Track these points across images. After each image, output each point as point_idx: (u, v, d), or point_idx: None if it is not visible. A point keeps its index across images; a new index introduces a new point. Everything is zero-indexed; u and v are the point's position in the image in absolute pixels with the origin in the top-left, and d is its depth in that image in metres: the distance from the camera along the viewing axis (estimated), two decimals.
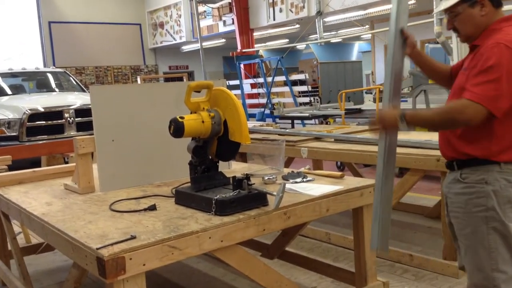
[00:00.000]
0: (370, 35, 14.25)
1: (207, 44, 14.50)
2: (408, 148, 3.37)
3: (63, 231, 2.01)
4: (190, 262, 3.71)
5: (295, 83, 12.00)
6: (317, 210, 2.29)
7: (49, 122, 7.30)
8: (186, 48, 16.85)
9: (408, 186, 3.45)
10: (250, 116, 9.91)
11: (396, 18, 2.13)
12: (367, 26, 13.63)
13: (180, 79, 14.53)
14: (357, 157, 3.62)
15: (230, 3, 13.08)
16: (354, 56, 19.90)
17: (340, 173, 2.71)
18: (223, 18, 13.82)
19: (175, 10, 15.72)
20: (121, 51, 16.60)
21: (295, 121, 8.78)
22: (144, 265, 1.74)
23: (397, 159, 3.32)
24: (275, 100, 10.54)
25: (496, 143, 1.92)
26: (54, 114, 7.37)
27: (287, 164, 4.29)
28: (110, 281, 1.68)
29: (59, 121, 7.36)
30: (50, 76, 9.40)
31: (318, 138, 4.19)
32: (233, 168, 3.15)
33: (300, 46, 17.11)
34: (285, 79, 10.86)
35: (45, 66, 13.93)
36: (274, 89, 11.30)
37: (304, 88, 11.75)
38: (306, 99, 10.56)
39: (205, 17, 14.45)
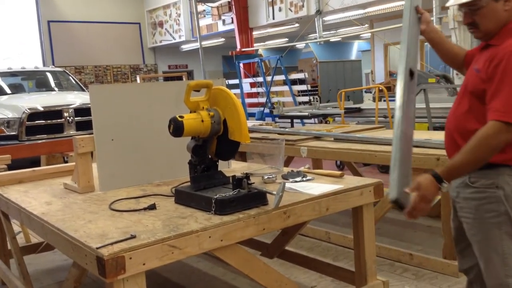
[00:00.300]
0: (369, 34, 14.25)
1: (206, 43, 14.50)
2: None
3: (62, 231, 2.01)
4: (190, 262, 3.72)
5: (294, 82, 12.00)
6: (316, 209, 2.28)
7: (49, 121, 7.30)
8: (185, 47, 16.85)
9: None
10: (250, 115, 9.91)
11: None
12: (366, 25, 13.63)
13: (180, 78, 14.53)
14: (356, 156, 3.62)
15: (229, 2, 13.07)
16: (353, 55, 19.90)
17: (339, 172, 2.71)
18: (223, 17, 13.82)
19: (175, 9, 15.71)
20: (120, 50, 16.59)
21: (295, 120, 8.78)
22: (144, 264, 1.74)
23: None
24: (274, 99, 10.54)
25: (511, 150, 1.82)
26: (53, 113, 7.37)
27: (287, 163, 4.29)
28: (110, 280, 1.68)
29: (59, 120, 7.36)
30: (49, 75, 9.39)
31: (317, 137, 4.19)
32: (232, 168, 3.15)
33: (300, 45, 17.10)
34: (284, 78, 10.86)
35: (44, 65, 13.93)
36: (273, 88, 11.30)
37: (303, 87, 11.74)
38: (306, 98, 10.56)
39: (205, 16, 14.44)
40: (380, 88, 7.64)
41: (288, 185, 2.42)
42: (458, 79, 6.73)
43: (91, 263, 1.75)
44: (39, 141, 6.61)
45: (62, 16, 15.30)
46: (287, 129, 5.03)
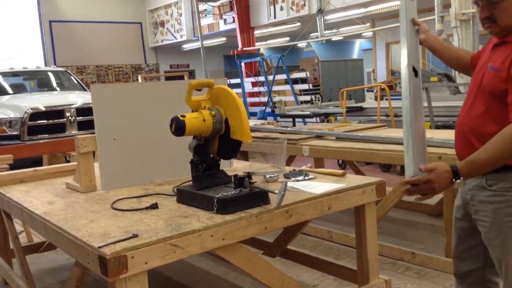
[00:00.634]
0: (371, 33, 14.23)
1: (208, 42, 14.51)
2: None
3: (65, 230, 2.01)
4: (192, 261, 3.72)
5: (296, 81, 12.00)
6: (318, 208, 2.28)
7: (50, 121, 7.32)
8: (187, 46, 16.86)
9: None
10: (251, 114, 9.91)
11: (405, 8, 2.08)
12: (368, 24, 13.62)
13: (181, 77, 14.54)
14: (358, 155, 3.62)
15: (230, 2, 13.08)
16: (355, 54, 19.88)
17: (341, 171, 2.70)
18: (224, 17, 13.83)
19: (176, 9, 15.72)
20: (122, 50, 16.61)
21: (296, 120, 8.78)
22: (146, 263, 1.74)
23: (397, 158, 3.35)
24: (276, 98, 10.55)
25: None
26: (55, 113, 7.38)
27: (289, 162, 4.29)
28: (112, 279, 1.68)
29: (60, 120, 7.38)
30: (51, 75, 9.41)
31: (319, 136, 4.19)
32: (234, 167, 3.15)
33: (301, 44, 17.09)
34: (286, 78, 10.86)
35: (46, 65, 13.95)
36: (275, 88, 11.30)
37: (305, 86, 11.73)
38: (307, 98, 10.57)
39: (206, 15, 14.45)
40: (382, 87, 7.63)
41: (290, 184, 2.41)
42: (460, 78, 6.72)
43: (93, 262, 1.75)
44: (41, 141, 6.62)
45: (64, 16, 15.33)
46: (288, 128, 5.03)
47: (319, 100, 8.72)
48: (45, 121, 7.28)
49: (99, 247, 1.72)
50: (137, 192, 2.61)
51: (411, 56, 2.00)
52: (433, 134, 3.52)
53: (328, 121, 8.13)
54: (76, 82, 9.36)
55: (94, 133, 2.71)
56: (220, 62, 19.14)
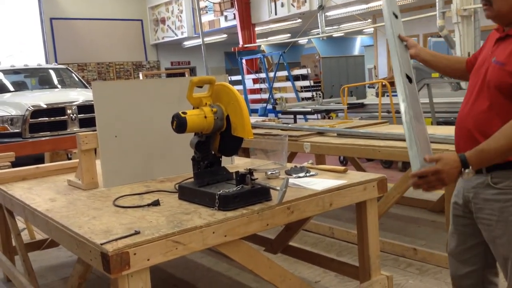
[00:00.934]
0: (372, 29, 14.21)
1: (208, 39, 14.48)
2: None
3: (67, 227, 2.02)
4: (194, 257, 3.73)
5: (297, 78, 12.00)
6: (320, 205, 2.28)
7: (52, 118, 7.32)
8: (187, 43, 16.85)
9: None
10: (252, 111, 9.92)
11: (391, 26, 2.10)
12: (369, 20, 13.60)
13: (182, 74, 14.54)
14: (360, 151, 3.61)
15: None
16: (356, 51, 19.86)
17: (343, 167, 2.70)
18: (225, 13, 13.81)
19: (177, 6, 15.71)
20: (123, 47, 16.61)
21: (298, 116, 8.79)
22: (148, 260, 1.75)
23: (398, 154, 3.35)
24: (277, 95, 10.54)
25: None
26: (56, 110, 7.38)
27: (290, 159, 4.29)
28: (115, 276, 1.68)
29: (62, 117, 7.38)
30: (52, 72, 9.40)
31: (320, 133, 4.19)
32: (236, 163, 3.15)
33: (302, 40, 17.07)
34: (287, 74, 10.85)
35: (47, 62, 13.96)
36: (276, 84, 11.29)
37: (306, 83, 11.73)
38: (309, 94, 10.55)
39: (207, 12, 14.43)
40: (383, 83, 7.62)
41: (291, 180, 2.42)
42: None
43: (96, 259, 1.75)
44: (43, 138, 6.62)
45: (65, 13, 15.33)
46: (290, 125, 5.03)
47: (320, 97, 8.72)
48: (47, 118, 7.28)
49: (101, 244, 1.72)
50: (138, 189, 2.61)
51: (403, 66, 2.02)
52: (434, 130, 3.51)
53: (329, 118, 8.12)
54: (77, 79, 9.36)
55: (95, 130, 2.71)
56: (221, 59, 19.14)
